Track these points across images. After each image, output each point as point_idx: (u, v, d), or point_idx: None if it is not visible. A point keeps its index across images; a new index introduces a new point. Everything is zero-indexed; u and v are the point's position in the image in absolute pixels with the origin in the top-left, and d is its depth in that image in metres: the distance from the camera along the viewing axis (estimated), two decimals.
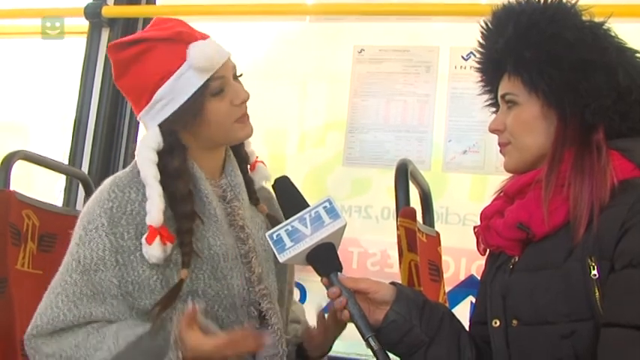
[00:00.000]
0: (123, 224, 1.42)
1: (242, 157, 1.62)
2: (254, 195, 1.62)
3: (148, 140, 1.47)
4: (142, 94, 1.48)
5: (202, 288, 1.44)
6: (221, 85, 1.47)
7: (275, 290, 1.55)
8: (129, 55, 1.48)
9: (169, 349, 1.33)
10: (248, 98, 1.51)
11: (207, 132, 1.49)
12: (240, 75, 1.53)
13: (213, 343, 1.34)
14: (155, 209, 1.41)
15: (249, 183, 1.62)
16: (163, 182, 1.44)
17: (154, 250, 1.39)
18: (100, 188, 1.49)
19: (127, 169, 1.52)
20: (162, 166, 1.46)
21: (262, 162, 1.67)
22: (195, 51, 1.44)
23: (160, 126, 1.47)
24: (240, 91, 1.50)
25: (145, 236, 1.40)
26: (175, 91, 1.45)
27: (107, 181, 1.49)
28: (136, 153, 1.49)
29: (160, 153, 1.46)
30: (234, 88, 1.49)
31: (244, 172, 1.61)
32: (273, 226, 1.42)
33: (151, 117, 1.48)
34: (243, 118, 1.50)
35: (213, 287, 1.45)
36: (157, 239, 1.39)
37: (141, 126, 3.28)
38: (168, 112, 1.46)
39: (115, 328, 1.40)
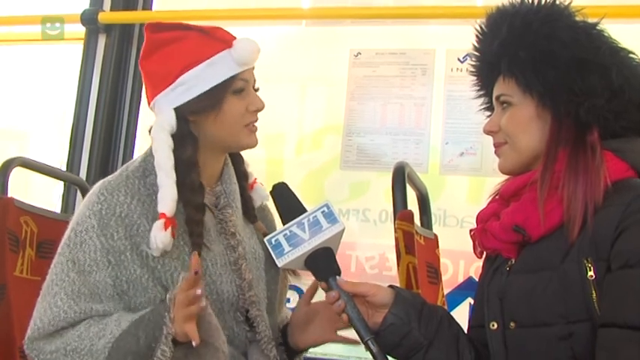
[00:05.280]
0: (112, 225, 1.44)
1: (240, 174, 1.64)
2: (252, 212, 1.64)
3: (162, 123, 1.48)
4: (164, 78, 1.50)
5: None
6: (243, 86, 1.51)
7: (264, 298, 1.57)
8: (163, 38, 1.52)
9: (165, 310, 1.34)
10: (263, 108, 1.54)
11: (218, 130, 1.50)
12: (258, 89, 1.57)
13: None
14: (169, 198, 1.43)
15: (247, 200, 1.64)
16: (175, 171, 1.46)
17: (164, 237, 1.39)
18: (90, 192, 1.51)
19: (116, 173, 1.53)
20: (174, 154, 1.47)
21: (261, 184, 1.69)
22: (243, 44, 1.51)
23: (177, 110, 1.49)
24: (258, 99, 1.54)
25: (160, 222, 1.40)
26: (201, 78, 1.48)
27: (96, 185, 1.51)
28: (151, 136, 1.50)
29: (172, 138, 1.48)
30: (254, 94, 1.54)
31: (243, 189, 1.63)
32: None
33: (169, 100, 1.49)
34: (253, 126, 1.54)
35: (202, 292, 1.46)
36: (170, 229, 1.40)
37: (139, 133, 3.29)
38: (189, 97, 1.48)
39: (116, 316, 1.40)
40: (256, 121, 1.55)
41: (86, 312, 1.42)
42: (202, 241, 1.46)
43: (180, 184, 1.45)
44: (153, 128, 1.50)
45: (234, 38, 1.53)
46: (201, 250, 1.45)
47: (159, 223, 1.40)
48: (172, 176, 1.45)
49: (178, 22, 1.55)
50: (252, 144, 1.55)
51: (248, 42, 1.52)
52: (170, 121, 1.48)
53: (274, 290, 1.61)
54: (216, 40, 1.51)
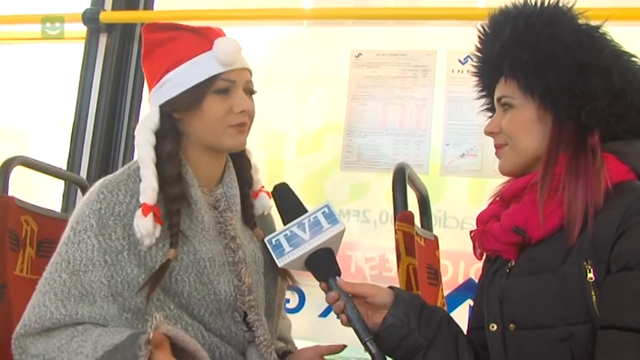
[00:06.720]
0: (111, 225, 1.44)
1: (245, 180, 1.64)
2: (252, 219, 1.64)
3: (147, 120, 1.52)
4: (155, 75, 1.54)
5: (187, 290, 1.45)
6: (227, 87, 1.51)
7: (263, 302, 1.57)
8: (157, 39, 1.55)
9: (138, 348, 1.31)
10: (250, 111, 1.54)
11: (200, 129, 1.51)
12: (254, 93, 1.57)
13: None
14: (150, 189, 1.45)
15: (248, 207, 1.64)
16: (156, 165, 1.48)
17: (146, 223, 1.41)
18: (89, 190, 1.52)
19: (118, 172, 1.55)
20: (156, 148, 1.50)
21: (267, 192, 1.68)
22: (222, 44, 1.51)
23: (161, 107, 1.52)
24: (245, 101, 1.53)
25: (139, 210, 1.42)
26: (184, 77, 1.50)
27: (96, 184, 1.52)
28: (135, 132, 1.53)
29: (155, 134, 1.50)
30: (240, 96, 1.52)
31: (245, 196, 1.63)
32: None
33: (156, 97, 1.54)
34: (239, 127, 1.52)
35: (199, 291, 1.46)
36: (151, 215, 1.42)
37: None
38: (171, 95, 1.51)
39: (97, 333, 1.39)
40: (244, 122, 1.53)
41: (72, 315, 1.41)
42: (179, 231, 1.46)
43: (159, 178, 1.47)
44: (138, 125, 1.53)
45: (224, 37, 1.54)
46: (179, 240, 1.46)
47: (139, 212, 1.42)
48: (151, 168, 1.47)
49: (172, 23, 1.58)
50: (238, 145, 1.55)
51: (227, 41, 1.52)
52: (153, 118, 1.51)
53: (273, 294, 1.61)
54: (205, 40, 1.52)
